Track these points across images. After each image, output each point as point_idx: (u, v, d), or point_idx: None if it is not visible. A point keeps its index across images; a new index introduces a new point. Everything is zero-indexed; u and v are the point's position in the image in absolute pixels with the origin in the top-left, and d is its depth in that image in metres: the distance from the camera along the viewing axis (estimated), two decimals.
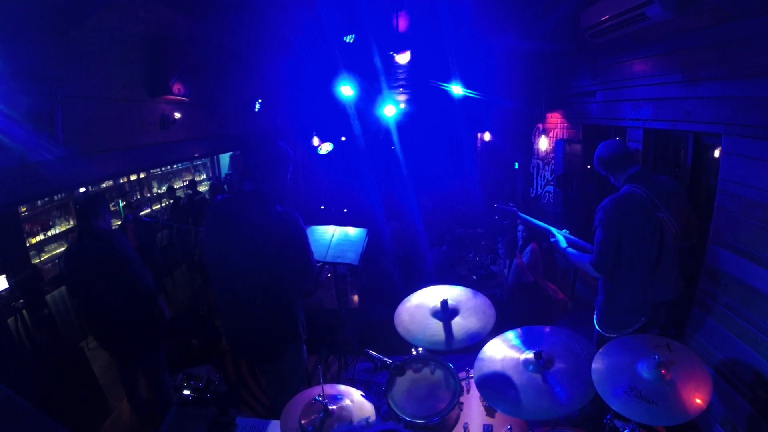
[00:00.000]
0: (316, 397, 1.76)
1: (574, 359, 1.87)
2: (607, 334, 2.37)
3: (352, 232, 3.38)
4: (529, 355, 1.89)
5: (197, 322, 4.15)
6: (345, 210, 7.51)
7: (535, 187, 6.02)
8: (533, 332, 2.07)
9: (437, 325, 2.16)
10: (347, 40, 4.20)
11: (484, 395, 1.88)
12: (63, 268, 3.34)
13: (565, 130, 5.10)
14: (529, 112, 5.75)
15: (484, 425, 1.97)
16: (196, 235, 6.14)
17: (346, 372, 3.61)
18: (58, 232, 5.71)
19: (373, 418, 1.76)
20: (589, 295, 4.38)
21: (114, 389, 3.45)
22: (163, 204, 8.30)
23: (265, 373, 2.38)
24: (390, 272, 4.76)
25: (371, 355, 3.20)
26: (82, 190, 6.02)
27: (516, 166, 6.75)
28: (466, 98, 5.06)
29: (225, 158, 10.50)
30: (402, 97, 6.82)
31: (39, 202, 5.36)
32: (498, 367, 1.92)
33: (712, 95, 2.60)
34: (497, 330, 2.13)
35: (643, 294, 2.29)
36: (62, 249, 5.59)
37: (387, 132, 6.64)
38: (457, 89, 4.86)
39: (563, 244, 2.66)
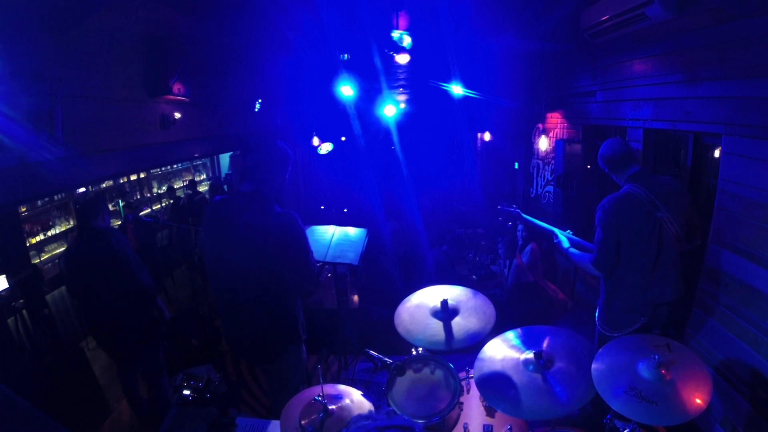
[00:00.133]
0: (316, 397, 1.76)
1: (574, 359, 1.87)
2: (608, 334, 2.38)
3: (352, 232, 3.39)
4: (529, 355, 1.89)
5: (197, 322, 4.15)
6: (345, 210, 7.51)
7: (535, 187, 6.02)
8: (533, 332, 2.07)
9: (437, 325, 2.16)
10: (343, 58, 4.26)
11: (484, 395, 1.89)
12: (63, 268, 3.35)
13: (565, 130, 5.10)
14: (529, 112, 5.75)
15: (484, 425, 1.97)
16: (196, 235, 6.14)
17: (346, 372, 3.61)
18: (58, 232, 5.71)
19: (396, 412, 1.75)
20: (589, 295, 4.38)
21: (114, 389, 3.44)
22: (163, 204, 8.30)
23: (265, 373, 2.38)
24: (390, 272, 4.76)
25: (371, 355, 3.20)
26: (82, 190, 6.03)
27: (516, 166, 6.74)
28: (466, 98, 5.06)
29: (225, 158, 10.50)
30: (402, 97, 6.82)
31: (39, 202, 5.36)
32: (498, 367, 1.92)
33: (712, 95, 2.60)
34: (497, 330, 2.13)
35: (642, 293, 2.29)
36: (62, 249, 5.59)
37: (387, 132, 6.64)
38: (457, 89, 4.86)
39: (566, 244, 2.69)
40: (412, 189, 6.46)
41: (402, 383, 2.03)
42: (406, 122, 7.01)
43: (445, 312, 2.19)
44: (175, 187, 8.38)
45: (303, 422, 1.70)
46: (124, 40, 3.21)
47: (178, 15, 3.74)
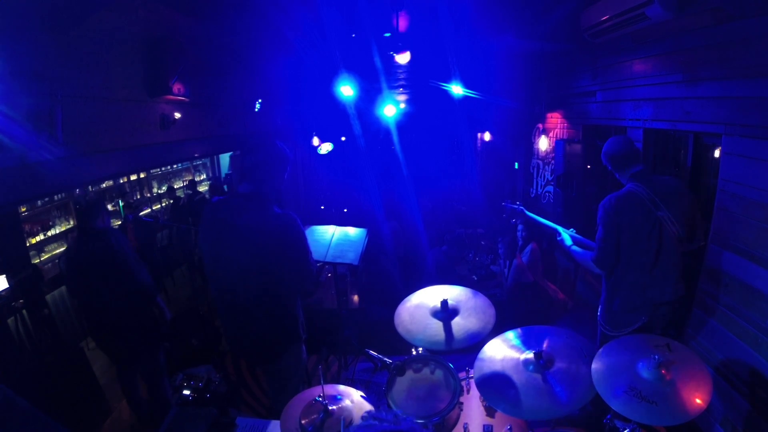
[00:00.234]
0: (317, 398, 1.76)
1: (574, 359, 1.87)
2: (609, 333, 2.39)
3: (352, 232, 3.38)
4: (529, 355, 1.89)
5: (197, 322, 4.15)
6: (345, 210, 7.51)
7: (535, 187, 6.02)
8: (533, 332, 2.07)
9: (437, 325, 2.16)
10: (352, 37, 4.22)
11: (484, 395, 1.89)
12: (63, 268, 3.34)
13: (565, 130, 5.10)
14: (529, 112, 5.75)
15: (484, 425, 1.97)
16: (196, 235, 6.13)
17: (346, 372, 3.61)
18: (58, 232, 5.71)
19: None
20: (590, 294, 4.38)
21: (114, 389, 3.44)
22: (163, 204, 8.30)
23: (265, 373, 2.38)
24: (390, 272, 4.76)
25: (371, 355, 3.20)
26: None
27: (516, 166, 6.75)
28: (466, 98, 5.06)
29: (225, 158, 10.50)
30: (402, 97, 6.82)
31: (39, 202, 5.36)
32: (498, 367, 1.92)
33: (712, 95, 2.60)
34: (497, 330, 2.13)
35: (642, 293, 2.30)
36: (62, 249, 5.58)
37: (387, 132, 6.65)
38: (457, 89, 4.86)
39: (568, 242, 2.72)
40: (412, 189, 6.47)
41: (402, 383, 2.03)
42: (406, 122, 7.02)
43: (445, 312, 2.19)
44: (175, 187, 8.38)
45: (303, 422, 1.70)
46: (124, 40, 3.21)
47: (178, 15, 3.74)
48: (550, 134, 5.48)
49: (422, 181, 7.28)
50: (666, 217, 2.23)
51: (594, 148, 4.25)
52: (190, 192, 7.32)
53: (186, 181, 8.74)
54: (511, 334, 2.08)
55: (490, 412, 2.03)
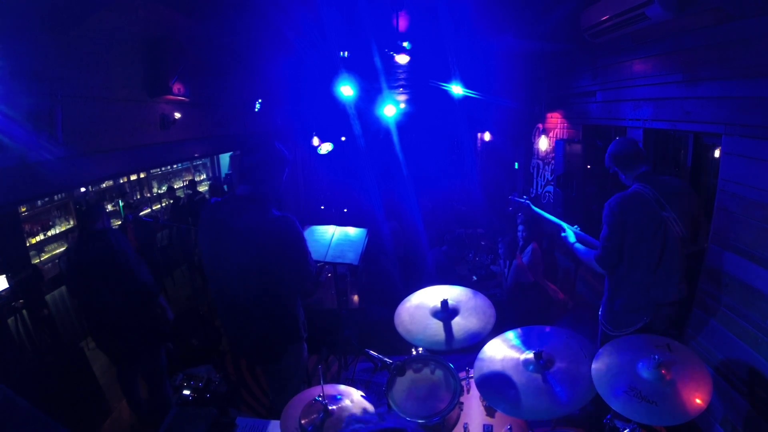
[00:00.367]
0: (316, 398, 1.76)
1: (574, 359, 1.87)
2: (611, 333, 2.39)
3: (352, 232, 3.38)
4: (529, 355, 1.89)
5: (197, 322, 4.15)
6: (345, 210, 7.51)
7: (535, 187, 6.02)
8: (533, 332, 2.08)
9: (437, 325, 2.16)
10: (343, 56, 4.26)
11: (484, 395, 1.89)
12: (63, 268, 3.34)
13: (565, 130, 5.10)
14: (529, 112, 5.75)
15: (484, 425, 1.97)
16: (196, 235, 6.13)
17: (346, 372, 3.61)
18: (58, 232, 5.70)
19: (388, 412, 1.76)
20: (590, 294, 4.37)
21: (114, 389, 3.44)
22: (163, 204, 8.30)
23: (265, 373, 2.38)
24: (390, 272, 4.76)
25: (371, 355, 3.20)
26: (82, 190, 6.02)
27: (516, 166, 6.74)
28: (466, 98, 5.06)
29: (225, 158, 10.50)
30: (402, 97, 6.82)
31: (39, 202, 5.36)
32: (498, 367, 1.92)
33: (712, 95, 2.60)
34: (497, 330, 2.13)
35: (645, 292, 2.30)
36: (62, 249, 5.58)
37: (387, 132, 6.64)
38: (457, 89, 4.86)
39: (572, 239, 2.75)
40: (412, 189, 6.46)
41: (402, 383, 2.03)
42: (406, 122, 7.01)
43: (445, 312, 2.19)
44: (175, 187, 8.38)
45: (303, 422, 1.70)
46: (124, 40, 3.20)
47: (178, 15, 3.74)
48: (550, 134, 5.48)
49: (422, 181, 7.28)
50: (671, 218, 2.23)
51: (594, 148, 4.25)
52: (190, 192, 7.32)
53: (186, 181, 8.74)
54: (511, 334, 2.08)
55: (490, 412, 2.03)
